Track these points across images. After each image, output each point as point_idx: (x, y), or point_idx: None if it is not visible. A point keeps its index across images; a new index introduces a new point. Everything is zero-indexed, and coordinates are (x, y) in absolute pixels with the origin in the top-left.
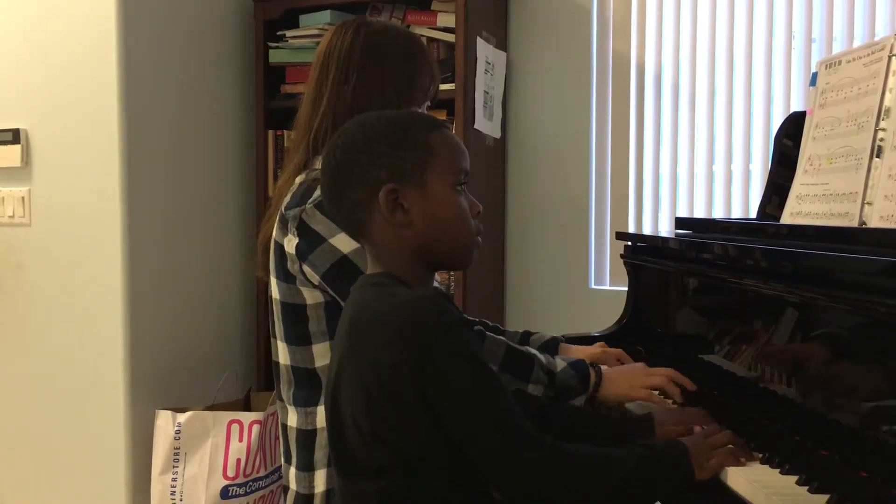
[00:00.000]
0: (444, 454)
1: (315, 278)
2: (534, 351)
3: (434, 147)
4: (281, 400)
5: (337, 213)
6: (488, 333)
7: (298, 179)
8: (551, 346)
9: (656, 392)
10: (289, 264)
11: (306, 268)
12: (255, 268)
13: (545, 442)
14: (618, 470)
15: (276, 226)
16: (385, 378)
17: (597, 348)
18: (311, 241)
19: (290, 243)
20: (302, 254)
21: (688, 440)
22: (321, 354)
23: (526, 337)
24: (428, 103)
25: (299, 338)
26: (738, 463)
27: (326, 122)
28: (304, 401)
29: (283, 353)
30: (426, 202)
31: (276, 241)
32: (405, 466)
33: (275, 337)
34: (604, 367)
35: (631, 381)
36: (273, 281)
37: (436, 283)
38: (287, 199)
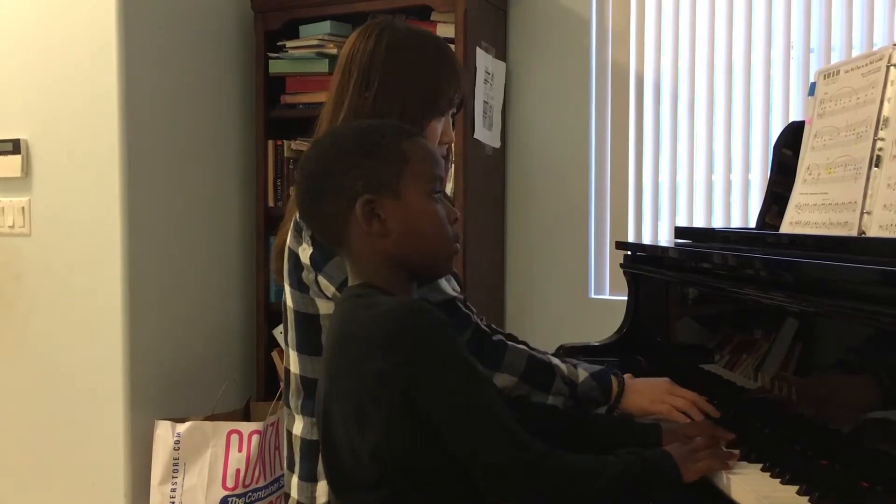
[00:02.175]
0: (437, 463)
1: (330, 289)
2: (555, 360)
3: (408, 155)
4: (288, 407)
5: (312, 224)
6: (510, 343)
7: None
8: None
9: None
10: (304, 274)
11: (322, 279)
12: (270, 272)
13: (535, 445)
14: (605, 474)
15: (290, 233)
16: (374, 388)
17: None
18: (325, 250)
19: (305, 253)
20: (317, 264)
21: (669, 447)
22: None
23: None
24: (454, 111)
25: (312, 348)
26: (725, 466)
27: None
28: (312, 410)
29: (294, 363)
30: (403, 211)
31: (290, 249)
32: (400, 477)
33: (287, 345)
34: (627, 377)
35: (653, 396)
36: (287, 289)
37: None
38: None
